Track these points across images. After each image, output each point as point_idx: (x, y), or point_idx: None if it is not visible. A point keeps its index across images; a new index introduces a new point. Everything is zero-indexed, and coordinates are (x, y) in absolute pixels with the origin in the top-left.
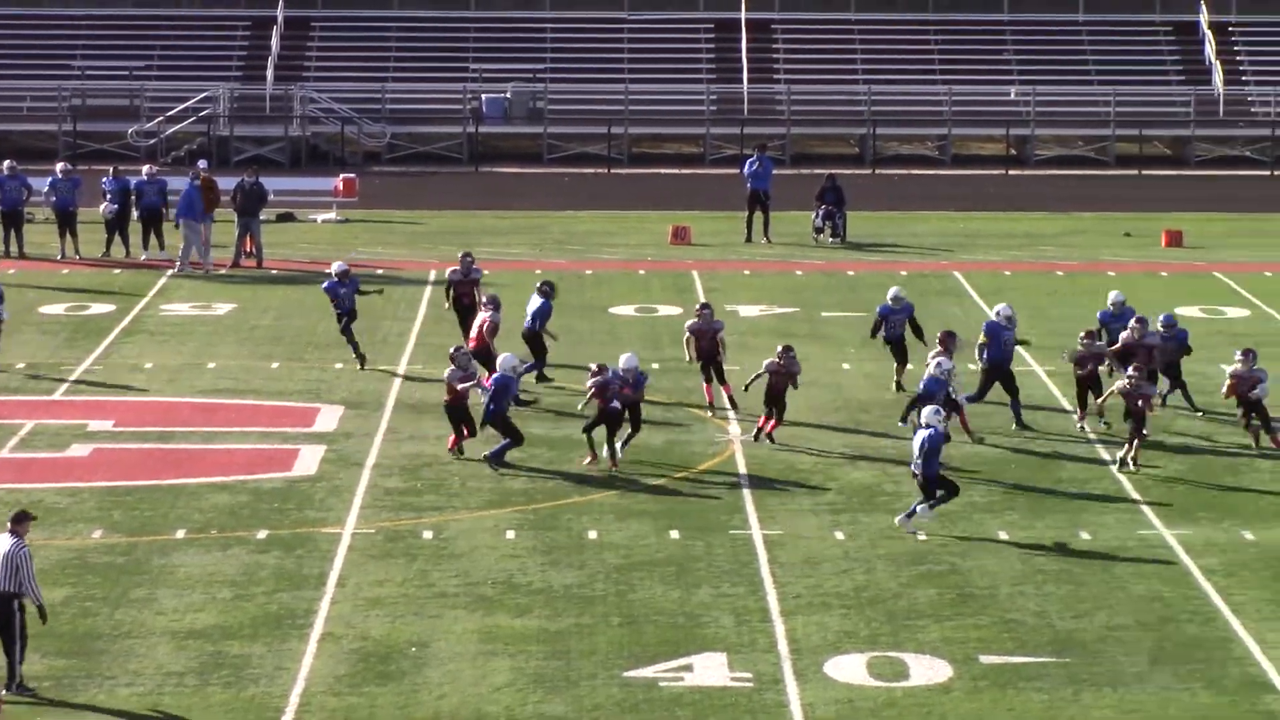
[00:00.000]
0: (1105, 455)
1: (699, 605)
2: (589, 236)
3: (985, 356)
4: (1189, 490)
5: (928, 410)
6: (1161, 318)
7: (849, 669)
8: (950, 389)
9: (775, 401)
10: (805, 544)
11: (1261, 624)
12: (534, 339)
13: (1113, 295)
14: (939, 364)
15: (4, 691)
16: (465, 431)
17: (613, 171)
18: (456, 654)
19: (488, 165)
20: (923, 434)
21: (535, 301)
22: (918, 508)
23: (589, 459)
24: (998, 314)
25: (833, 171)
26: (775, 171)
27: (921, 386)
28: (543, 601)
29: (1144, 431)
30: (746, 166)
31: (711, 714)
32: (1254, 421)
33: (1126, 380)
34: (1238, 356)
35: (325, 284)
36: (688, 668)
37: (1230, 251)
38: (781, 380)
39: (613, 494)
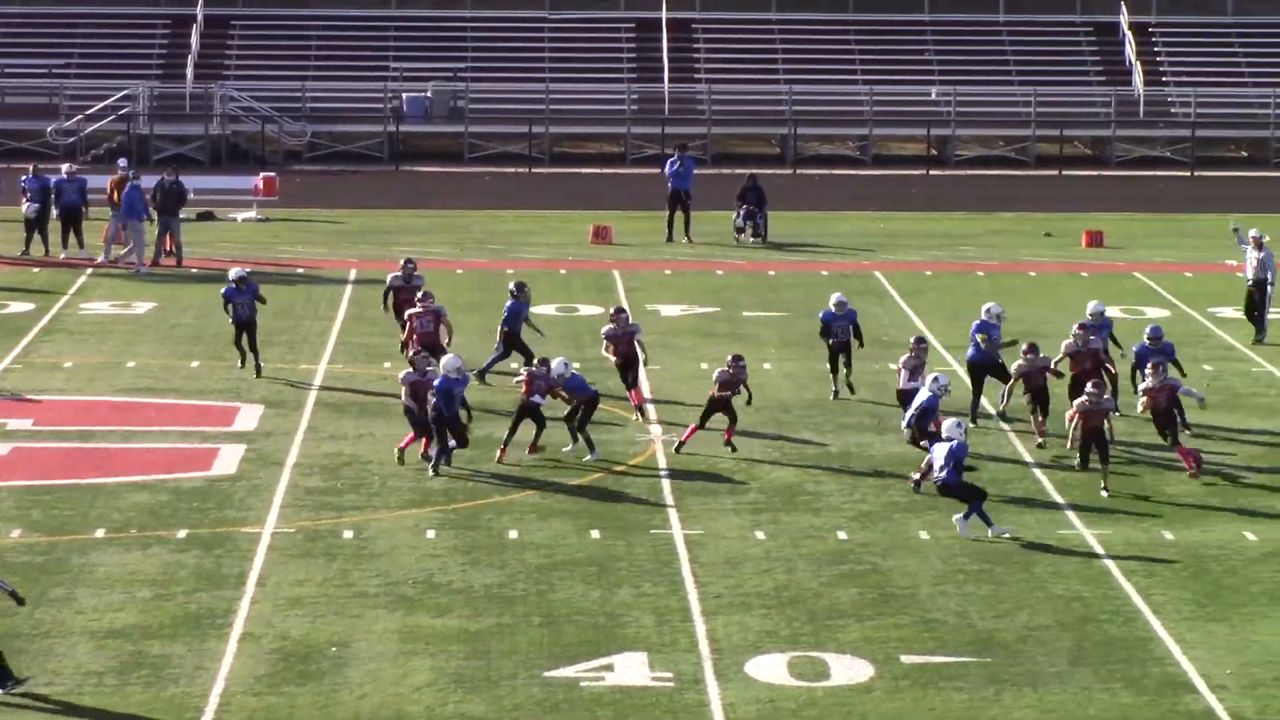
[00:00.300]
0: (1027, 456)
1: (620, 605)
2: (510, 236)
3: (969, 356)
4: (1110, 490)
5: (949, 423)
6: (1091, 306)
7: (770, 669)
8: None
9: (725, 408)
10: (726, 544)
11: (1181, 624)
12: (512, 340)
13: (1091, 305)
14: (935, 379)
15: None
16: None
17: (534, 171)
18: (377, 654)
19: (408, 164)
20: (947, 445)
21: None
22: (964, 522)
23: (567, 446)
24: (988, 312)
25: (754, 171)
26: (696, 171)
27: (922, 402)
28: (463, 601)
29: (1109, 454)
30: (667, 166)
31: (632, 714)
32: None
33: (1086, 398)
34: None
35: (224, 289)
36: (608, 667)
37: (1150, 252)
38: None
39: (533, 494)
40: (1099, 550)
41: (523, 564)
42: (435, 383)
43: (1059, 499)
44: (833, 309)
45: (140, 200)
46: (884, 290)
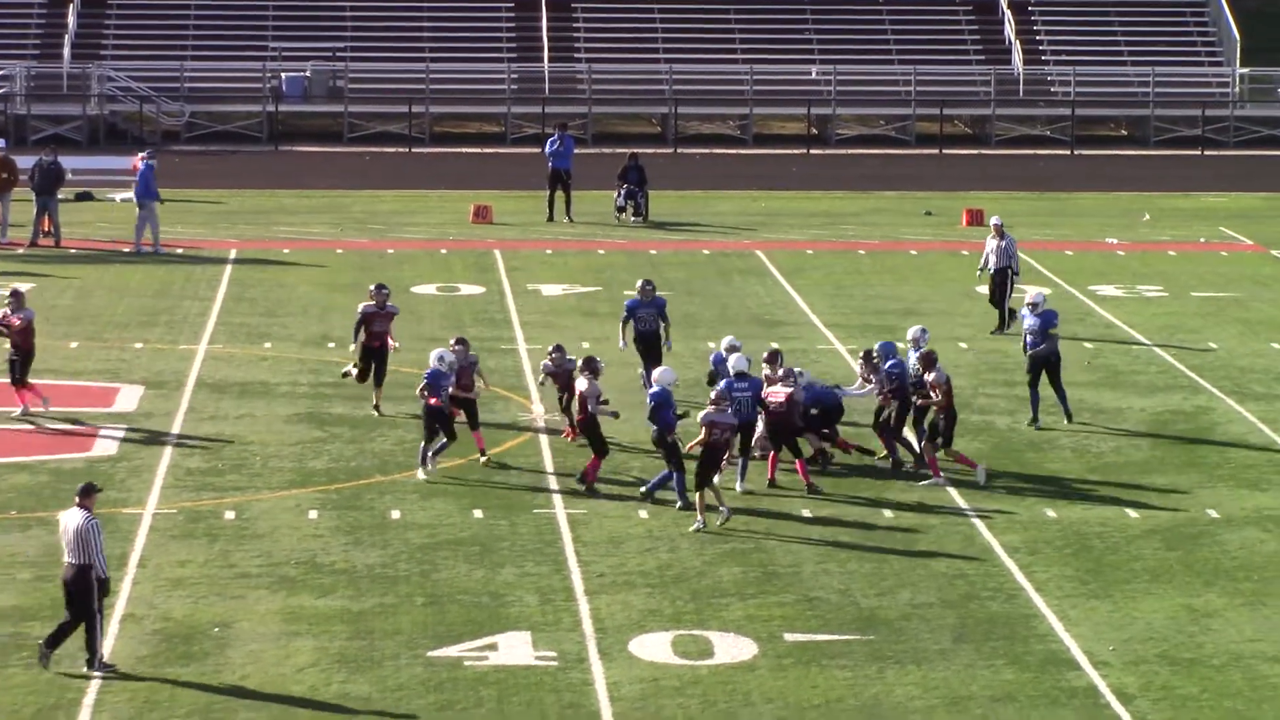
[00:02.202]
0: (909, 435)
1: (503, 585)
2: (390, 216)
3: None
4: (991, 468)
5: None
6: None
7: (654, 648)
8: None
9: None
10: (609, 523)
11: (1064, 600)
12: None
13: (1031, 294)
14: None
15: (89, 670)
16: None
17: (414, 151)
18: (259, 634)
19: (287, 144)
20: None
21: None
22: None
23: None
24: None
25: (634, 151)
26: (577, 151)
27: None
28: (346, 581)
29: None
30: (548, 146)
31: (516, 693)
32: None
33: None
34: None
35: None
36: (492, 647)
37: (1031, 230)
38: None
39: (416, 473)
40: (981, 528)
41: (405, 544)
42: (425, 373)
43: (940, 476)
44: (638, 296)
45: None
46: (765, 269)
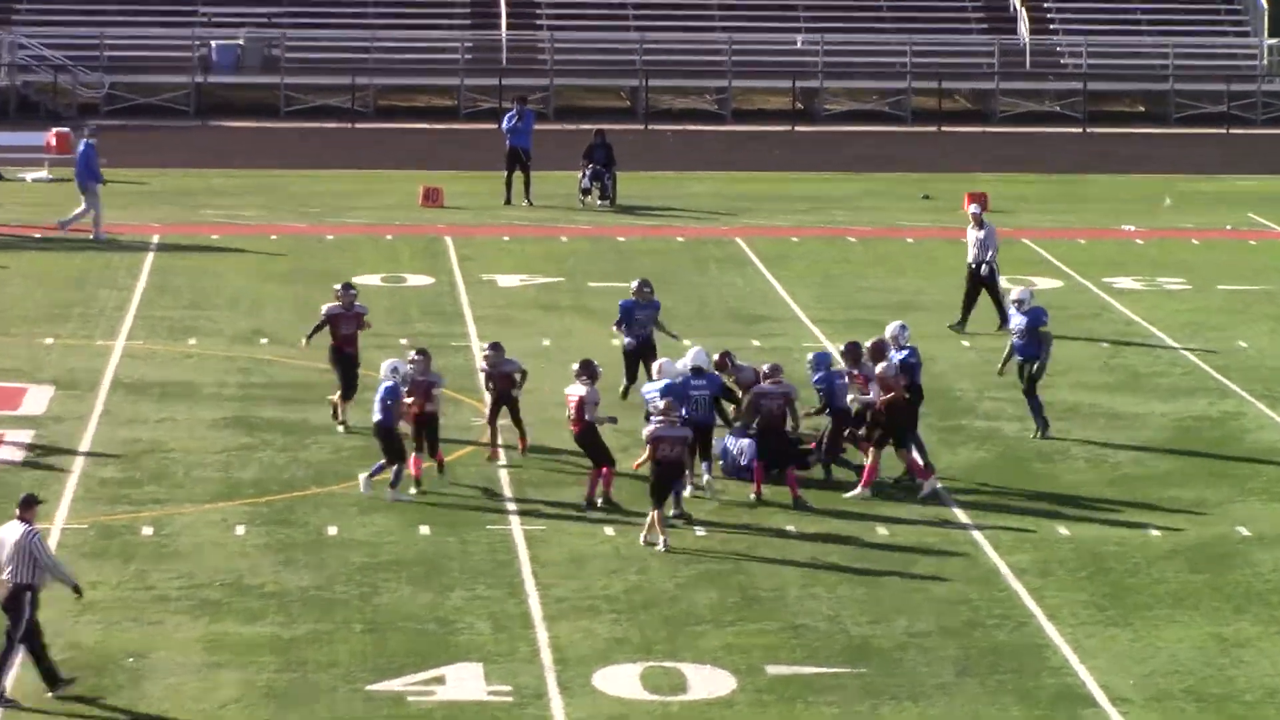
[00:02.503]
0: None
1: (452, 610)
2: (330, 198)
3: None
4: (997, 480)
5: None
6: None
7: (620, 681)
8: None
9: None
10: (571, 541)
11: (1078, 629)
12: None
13: (1016, 291)
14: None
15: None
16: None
17: (357, 126)
18: (179, 665)
19: (217, 119)
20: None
21: None
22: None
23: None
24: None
25: (601, 127)
26: (537, 127)
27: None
28: (276, 606)
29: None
30: (505, 121)
31: None
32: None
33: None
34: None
35: None
36: (439, 680)
37: (1039, 216)
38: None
39: (355, 485)
40: (987, 547)
41: (343, 564)
42: (380, 388)
43: (943, 493)
44: (633, 297)
45: None
46: (745, 258)
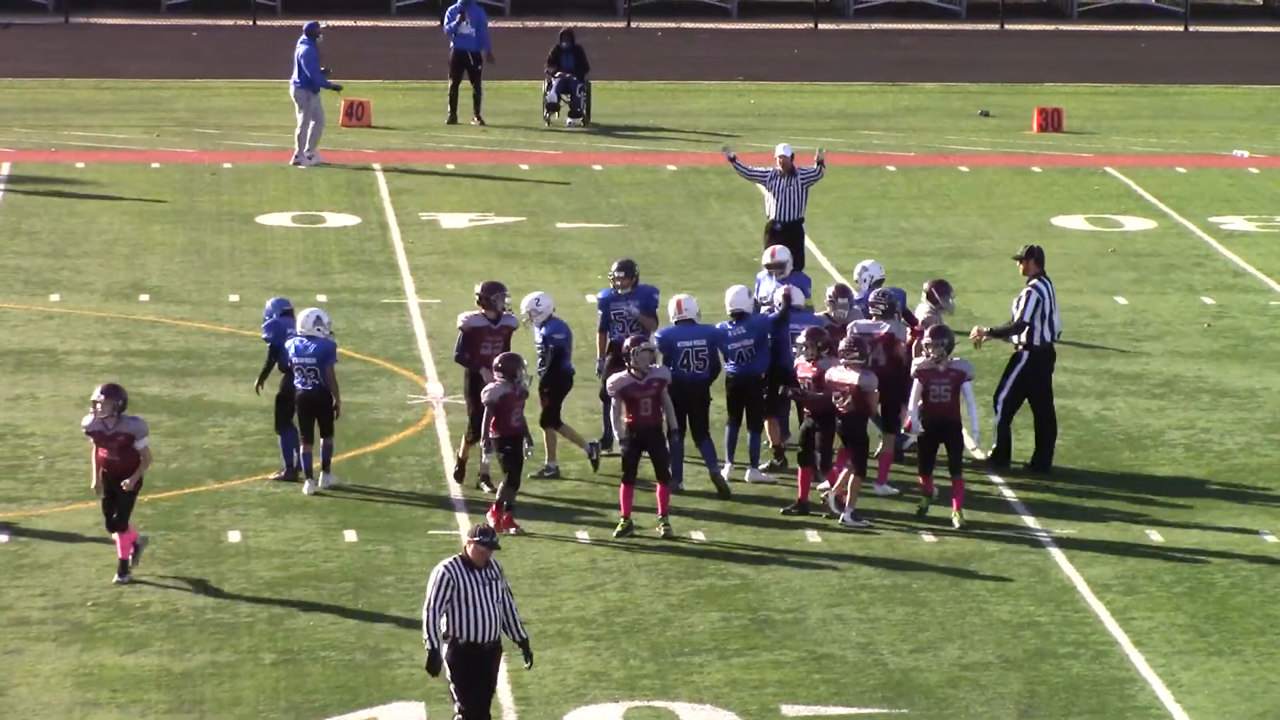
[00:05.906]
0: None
1: (387, 636)
2: (227, 115)
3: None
4: (1073, 474)
5: None
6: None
7: None
8: None
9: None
10: (536, 549)
11: (1173, 659)
12: None
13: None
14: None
15: None
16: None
17: (259, 25)
18: (44, 704)
19: (83, 14)
20: None
21: None
22: None
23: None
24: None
25: (570, 25)
26: (491, 25)
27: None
28: (165, 631)
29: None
30: (448, 18)
31: None
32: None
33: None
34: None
35: None
36: None
37: (1128, 138)
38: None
39: (264, 479)
40: (1059, 558)
41: (249, 579)
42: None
43: (1001, 483)
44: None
45: None
46: (754, 192)
